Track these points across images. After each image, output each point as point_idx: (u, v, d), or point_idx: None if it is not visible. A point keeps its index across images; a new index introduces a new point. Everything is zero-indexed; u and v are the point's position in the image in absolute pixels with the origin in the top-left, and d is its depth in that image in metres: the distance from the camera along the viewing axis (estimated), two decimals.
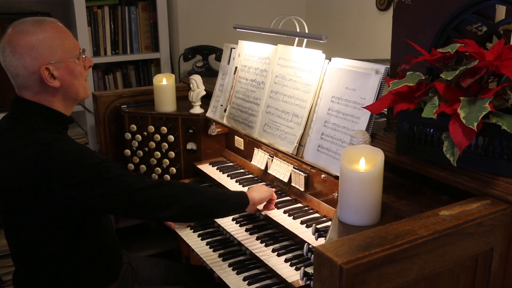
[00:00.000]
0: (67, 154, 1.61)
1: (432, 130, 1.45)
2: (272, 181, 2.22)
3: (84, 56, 1.79)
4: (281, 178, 2.12)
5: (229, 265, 1.93)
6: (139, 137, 2.63)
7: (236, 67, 2.38)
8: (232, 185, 2.26)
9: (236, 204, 1.88)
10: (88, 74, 1.84)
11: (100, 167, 1.62)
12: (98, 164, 1.62)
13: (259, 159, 2.28)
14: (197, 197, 1.75)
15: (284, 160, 2.13)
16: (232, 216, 2.13)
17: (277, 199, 2.07)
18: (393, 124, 1.72)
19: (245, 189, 2.20)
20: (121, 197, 1.63)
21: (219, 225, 2.11)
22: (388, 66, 1.71)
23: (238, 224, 2.09)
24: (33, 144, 1.61)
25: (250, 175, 2.34)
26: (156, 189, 1.67)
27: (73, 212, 1.66)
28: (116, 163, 1.70)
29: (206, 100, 2.57)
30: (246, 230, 2.03)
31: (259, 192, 1.95)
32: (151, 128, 2.60)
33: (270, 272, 1.84)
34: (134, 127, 2.61)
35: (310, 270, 1.60)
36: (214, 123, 2.48)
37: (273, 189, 2.08)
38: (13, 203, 1.68)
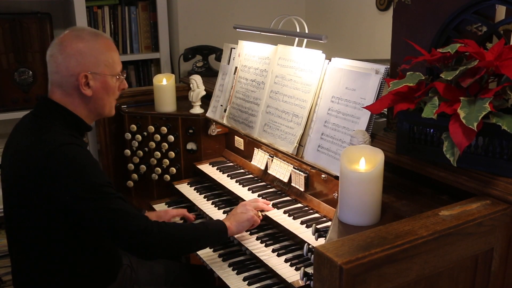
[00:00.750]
0: (74, 162, 1.63)
1: (432, 130, 1.45)
2: (272, 181, 2.22)
3: (122, 77, 1.88)
4: (281, 178, 2.12)
5: (229, 265, 1.92)
6: (139, 137, 2.63)
7: (236, 67, 2.38)
8: (232, 185, 2.26)
9: (214, 242, 1.98)
10: (118, 96, 1.91)
11: (101, 190, 1.64)
12: (100, 186, 1.64)
13: (259, 159, 2.28)
14: (180, 245, 1.81)
15: (284, 160, 2.13)
16: None
17: (277, 199, 2.07)
18: (393, 124, 1.72)
19: (244, 189, 2.21)
20: (109, 231, 1.67)
21: None
22: (388, 66, 1.71)
23: None
24: (45, 143, 1.64)
25: (250, 175, 2.34)
26: (144, 235, 1.67)
27: (71, 215, 1.66)
28: (116, 192, 1.70)
29: (206, 100, 2.57)
30: (246, 231, 2.03)
31: (238, 224, 1.92)
32: (151, 128, 2.60)
33: (270, 272, 1.84)
34: (134, 127, 2.61)
35: (310, 270, 1.60)
36: (214, 123, 2.48)
37: (259, 207, 2.01)
38: (17, 199, 1.70)
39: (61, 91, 1.77)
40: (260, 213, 2.00)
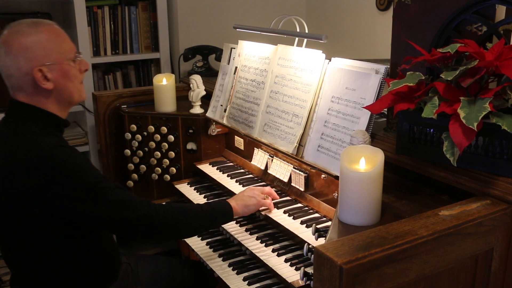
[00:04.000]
0: (66, 166, 1.59)
1: (432, 130, 1.45)
2: (272, 181, 2.22)
3: (79, 59, 1.78)
4: (281, 178, 2.12)
5: (229, 265, 1.93)
6: (139, 137, 2.63)
7: (236, 67, 2.38)
8: (232, 185, 2.26)
9: (220, 224, 1.95)
10: (83, 77, 1.83)
11: (98, 187, 1.63)
12: (96, 184, 1.63)
13: (259, 159, 2.28)
14: (185, 227, 1.81)
15: (284, 160, 2.13)
16: None
17: (277, 199, 2.07)
18: (393, 124, 1.72)
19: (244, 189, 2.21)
20: (115, 222, 1.67)
21: None
22: (388, 66, 1.71)
23: (238, 224, 2.08)
24: (35, 148, 1.60)
25: (250, 175, 2.34)
26: (149, 220, 1.68)
27: (71, 218, 1.66)
28: (113, 184, 1.69)
29: (206, 100, 2.57)
30: (246, 230, 2.03)
31: (244, 207, 1.94)
32: (151, 128, 2.60)
33: (270, 272, 1.84)
34: (134, 127, 2.61)
35: (310, 270, 1.60)
36: (214, 123, 2.48)
37: (264, 195, 2.02)
38: (9, 204, 1.66)
39: (23, 93, 1.69)
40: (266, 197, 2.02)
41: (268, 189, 2.05)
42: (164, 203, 1.81)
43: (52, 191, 1.58)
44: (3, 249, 1.79)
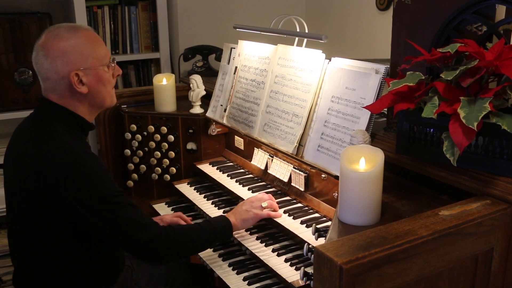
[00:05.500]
0: (86, 173, 1.62)
1: (432, 130, 1.45)
2: (272, 181, 2.22)
3: (113, 65, 1.84)
4: (281, 178, 2.12)
5: (229, 265, 1.93)
6: (139, 137, 2.63)
7: (236, 67, 2.38)
8: (232, 185, 2.26)
9: (221, 240, 1.94)
10: (115, 83, 1.88)
11: (112, 201, 1.65)
12: (111, 197, 1.65)
13: (259, 159, 2.28)
14: (190, 247, 1.84)
15: (284, 160, 2.13)
16: None
17: (277, 199, 2.07)
18: (393, 124, 1.72)
19: (244, 189, 2.21)
20: (122, 240, 1.69)
21: None
22: (388, 66, 1.71)
23: None
24: (59, 150, 1.63)
25: (250, 175, 2.34)
26: (156, 242, 1.70)
27: (81, 224, 1.66)
28: (127, 200, 1.71)
29: (206, 100, 2.57)
30: (246, 230, 2.03)
31: (243, 221, 1.94)
32: (151, 128, 2.60)
33: (270, 272, 1.84)
34: (134, 127, 2.61)
35: (310, 270, 1.60)
36: (214, 123, 2.48)
37: (262, 204, 1.99)
38: (23, 204, 1.68)
39: (56, 95, 1.74)
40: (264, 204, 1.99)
41: (268, 197, 2.03)
42: (168, 227, 1.82)
43: (66, 193, 1.59)
44: (12, 242, 1.81)
